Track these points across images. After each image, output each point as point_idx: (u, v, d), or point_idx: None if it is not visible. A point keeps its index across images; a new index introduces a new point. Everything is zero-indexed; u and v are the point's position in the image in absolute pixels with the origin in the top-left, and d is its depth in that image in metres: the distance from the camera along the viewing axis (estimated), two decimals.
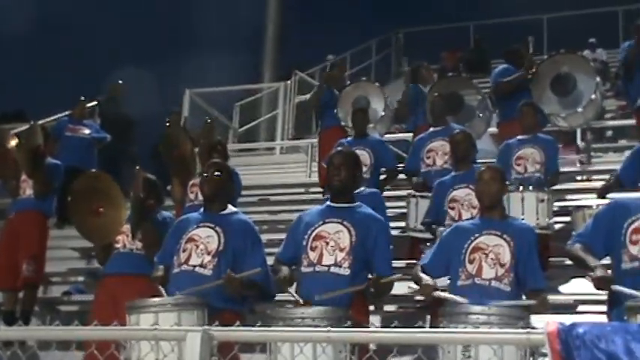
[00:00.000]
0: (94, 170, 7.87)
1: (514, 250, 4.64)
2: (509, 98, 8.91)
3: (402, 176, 8.57)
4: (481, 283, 4.58)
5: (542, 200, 6.77)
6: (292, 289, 4.87)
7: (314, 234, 4.85)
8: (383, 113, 9.52)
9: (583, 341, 2.66)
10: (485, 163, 6.21)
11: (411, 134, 9.80)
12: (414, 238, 7.34)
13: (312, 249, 4.81)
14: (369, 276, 4.85)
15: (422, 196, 7.20)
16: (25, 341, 5.22)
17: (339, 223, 4.86)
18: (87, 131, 10.86)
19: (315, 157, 11.45)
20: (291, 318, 4.10)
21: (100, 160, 10.62)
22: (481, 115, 9.19)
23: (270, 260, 5.05)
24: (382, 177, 8.27)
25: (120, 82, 12.53)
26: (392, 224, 7.20)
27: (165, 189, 6.87)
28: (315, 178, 10.70)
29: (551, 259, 6.89)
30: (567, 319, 2.77)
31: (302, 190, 11.34)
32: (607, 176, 8.42)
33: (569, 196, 9.02)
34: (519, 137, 7.75)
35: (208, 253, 4.87)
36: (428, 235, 6.82)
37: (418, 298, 6.68)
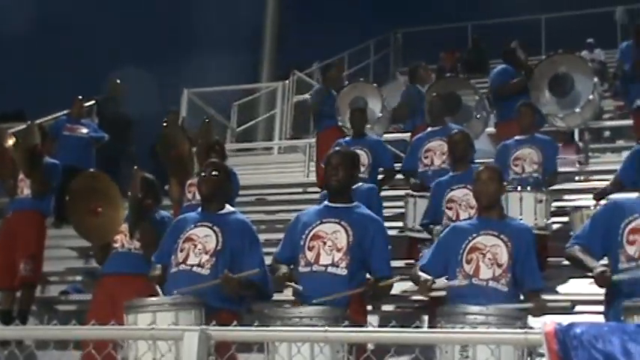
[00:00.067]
0: (92, 170, 7.85)
1: (512, 250, 4.64)
2: (506, 98, 8.95)
3: (399, 176, 8.58)
4: (478, 284, 4.58)
5: (541, 201, 6.77)
6: (292, 283, 4.87)
7: (311, 234, 4.85)
8: (380, 114, 9.52)
9: (580, 341, 2.67)
10: (483, 163, 6.21)
11: (408, 134, 9.81)
12: (412, 238, 7.34)
13: (310, 249, 4.82)
14: (367, 276, 4.86)
15: (420, 196, 7.20)
16: (23, 341, 5.22)
17: (336, 223, 4.86)
18: (85, 130, 10.85)
19: (313, 157, 11.45)
20: (288, 317, 4.10)
21: (98, 160, 10.61)
22: (479, 115, 9.19)
23: (267, 260, 5.06)
24: (380, 177, 8.27)
25: (118, 81, 12.52)
26: (390, 224, 7.23)
27: (163, 189, 6.87)
28: (312, 178, 10.70)
29: (549, 259, 6.90)
30: (565, 319, 2.78)
31: (300, 189, 11.33)
32: (605, 176, 8.46)
33: (566, 197, 9.03)
34: (517, 138, 7.75)
35: (206, 253, 4.87)
36: (426, 235, 6.82)
37: (416, 297, 6.69)
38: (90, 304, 6.40)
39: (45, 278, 8.89)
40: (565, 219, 7.38)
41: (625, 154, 8.23)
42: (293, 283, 4.86)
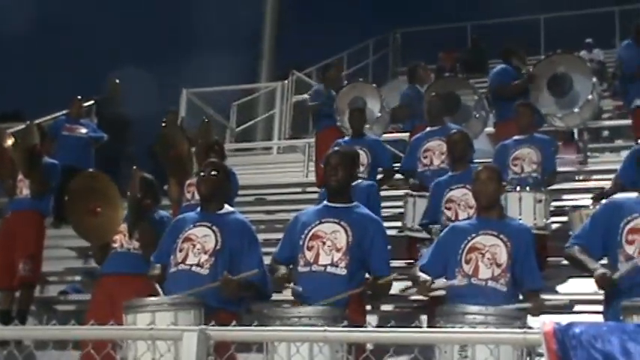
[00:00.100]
0: (91, 170, 7.84)
1: (511, 250, 4.64)
2: (505, 98, 8.94)
3: (398, 176, 8.58)
4: (477, 283, 4.58)
5: (540, 201, 6.77)
6: (291, 284, 4.87)
7: (310, 234, 4.85)
8: (379, 114, 9.52)
9: (579, 341, 2.67)
10: (482, 163, 6.21)
11: (407, 134, 9.81)
12: (411, 238, 7.34)
13: (309, 249, 4.82)
14: (367, 276, 4.86)
15: (419, 196, 7.20)
16: (22, 341, 5.22)
17: (335, 223, 4.86)
18: (84, 130, 10.85)
19: (312, 157, 11.45)
20: (287, 317, 4.10)
21: (97, 160, 10.62)
22: (478, 115, 9.18)
23: (267, 260, 5.06)
24: (379, 177, 8.27)
25: (117, 81, 12.52)
26: (389, 224, 7.22)
27: (162, 189, 6.87)
28: (312, 178, 10.71)
29: (548, 259, 6.90)
30: (564, 319, 2.78)
31: (299, 189, 11.34)
32: (604, 176, 8.47)
33: (565, 196, 9.03)
34: (516, 137, 7.75)
35: (205, 253, 4.87)
36: (425, 235, 6.82)
37: (415, 297, 6.69)
38: (89, 304, 6.40)
39: (44, 278, 8.89)
40: (564, 219, 7.38)
41: (624, 153, 8.24)
42: (292, 284, 4.86)
